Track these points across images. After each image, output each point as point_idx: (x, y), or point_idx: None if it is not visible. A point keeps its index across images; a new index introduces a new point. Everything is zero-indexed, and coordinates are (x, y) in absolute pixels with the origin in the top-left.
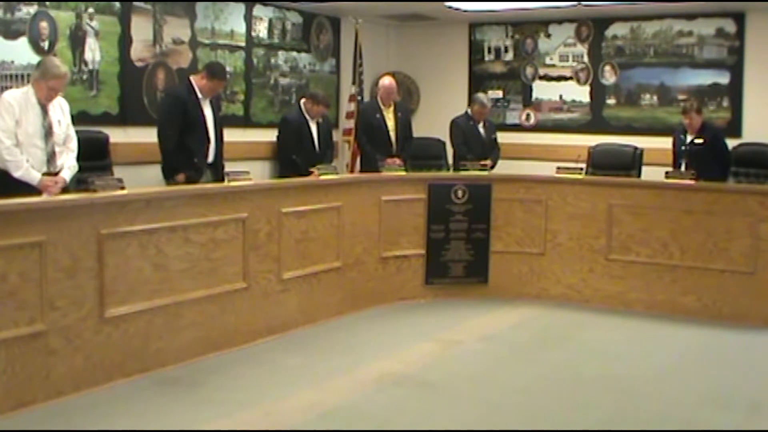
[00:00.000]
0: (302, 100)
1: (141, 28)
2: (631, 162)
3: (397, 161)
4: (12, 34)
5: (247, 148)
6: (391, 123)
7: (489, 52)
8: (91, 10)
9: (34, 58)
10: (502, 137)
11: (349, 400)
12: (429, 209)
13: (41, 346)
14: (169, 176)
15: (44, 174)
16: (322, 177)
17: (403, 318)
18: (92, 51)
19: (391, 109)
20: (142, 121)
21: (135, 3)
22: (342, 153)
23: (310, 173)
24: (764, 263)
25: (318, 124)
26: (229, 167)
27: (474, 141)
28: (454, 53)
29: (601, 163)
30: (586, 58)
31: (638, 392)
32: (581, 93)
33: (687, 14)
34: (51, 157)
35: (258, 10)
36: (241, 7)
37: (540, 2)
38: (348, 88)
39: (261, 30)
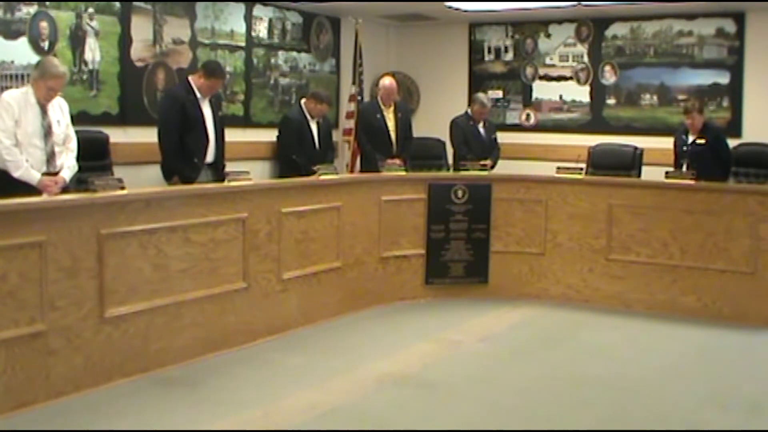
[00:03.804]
0: (303, 100)
1: (141, 28)
2: (631, 162)
3: (398, 161)
4: (12, 34)
5: (247, 148)
6: (391, 123)
7: (489, 52)
8: (91, 10)
9: (34, 58)
10: (502, 137)
11: (349, 400)
12: (429, 209)
13: (41, 346)
14: (168, 176)
15: (44, 174)
16: (322, 177)
17: (403, 318)
18: (92, 51)
19: (392, 109)
20: (142, 121)
21: (135, 3)
22: (342, 153)
23: (312, 173)
24: (764, 263)
25: (318, 123)
26: (229, 167)
27: (474, 141)
28: (454, 53)
29: (601, 163)
30: (586, 58)
31: (638, 392)
32: (581, 93)
33: (687, 14)
34: (50, 157)
35: (258, 10)
36: (241, 7)
37: (540, 2)
38: (348, 88)
39: (261, 30)
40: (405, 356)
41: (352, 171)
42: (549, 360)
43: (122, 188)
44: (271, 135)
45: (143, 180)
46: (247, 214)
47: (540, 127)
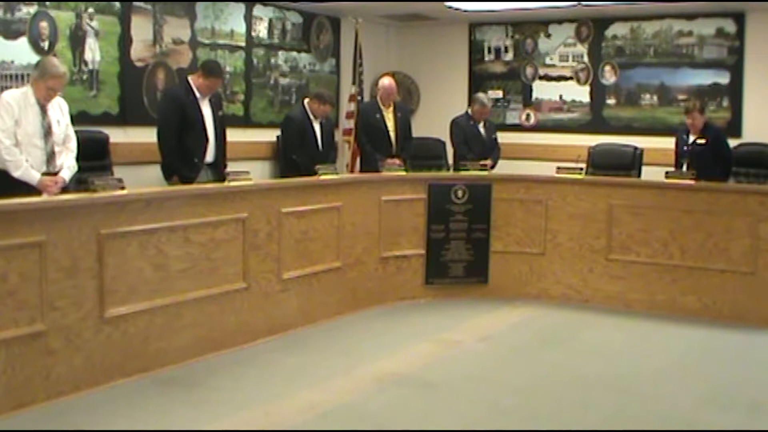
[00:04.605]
0: (305, 100)
1: (141, 28)
2: (631, 162)
3: (397, 161)
4: (12, 34)
5: (247, 148)
6: (391, 123)
7: (489, 52)
8: (91, 10)
9: (34, 58)
10: (502, 137)
11: (349, 400)
12: (429, 209)
13: (41, 346)
14: (168, 176)
15: (44, 174)
16: (323, 177)
17: (403, 318)
18: (92, 51)
19: (391, 109)
20: (142, 121)
21: (135, 3)
22: (342, 153)
23: (314, 173)
24: (764, 263)
25: (321, 124)
26: (229, 167)
27: (474, 141)
28: (454, 53)
29: (601, 163)
30: (586, 58)
31: (638, 392)
32: (581, 93)
33: (687, 14)
34: (50, 157)
35: (258, 10)
36: (241, 7)
37: (540, 2)
38: (348, 88)
39: (261, 30)
40: (405, 356)
41: (352, 171)
42: (549, 360)
43: (122, 188)
44: (271, 135)
45: (143, 180)
46: (247, 214)
47: (540, 127)
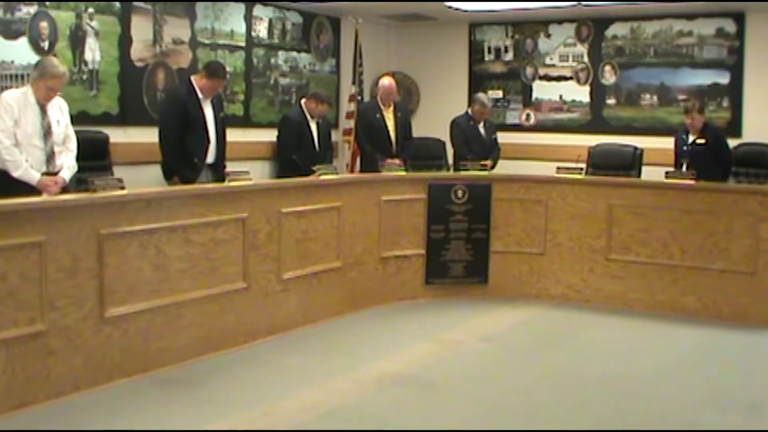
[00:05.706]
0: (303, 100)
1: (141, 28)
2: (631, 162)
3: (397, 161)
4: (12, 34)
5: (247, 148)
6: (391, 123)
7: (489, 52)
8: (91, 10)
9: (34, 58)
10: (502, 137)
11: (349, 400)
12: (429, 209)
13: (41, 346)
14: (168, 176)
15: (43, 174)
16: (322, 177)
17: (403, 318)
18: (92, 51)
19: (391, 109)
20: (142, 121)
21: (135, 3)
22: (342, 153)
23: (311, 172)
24: (764, 263)
25: (318, 124)
26: (229, 167)
27: (474, 141)
28: (454, 53)
29: (601, 163)
30: (586, 58)
31: (638, 392)
32: (581, 93)
33: (687, 14)
34: (50, 157)
35: (258, 10)
36: (241, 7)
37: (540, 2)
38: (348, 88)
39: (261, 30)
40: (405, 356)
41: (352, 171)
42: (549, 360)
43: (122, 188)
44: (271, 135)
45: (143, 180)
46: (247, 214)
47: (540, 127)
